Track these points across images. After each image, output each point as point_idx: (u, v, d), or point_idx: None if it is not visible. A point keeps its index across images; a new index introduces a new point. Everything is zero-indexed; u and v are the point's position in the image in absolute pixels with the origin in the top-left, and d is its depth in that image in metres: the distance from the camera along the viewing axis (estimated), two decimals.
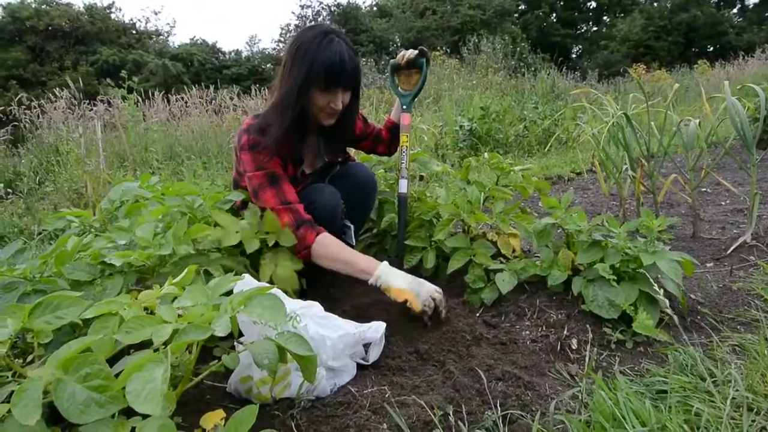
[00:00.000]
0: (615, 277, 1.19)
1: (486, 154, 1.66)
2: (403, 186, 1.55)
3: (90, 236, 1.24)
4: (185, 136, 5.11)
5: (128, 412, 0.65)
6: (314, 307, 0.98)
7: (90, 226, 1.51)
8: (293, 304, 0.97)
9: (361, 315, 1.22)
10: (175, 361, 0.71)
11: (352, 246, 1.55)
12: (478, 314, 1.30)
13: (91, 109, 5.53)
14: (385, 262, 1.12)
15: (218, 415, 0.74)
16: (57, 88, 6.08)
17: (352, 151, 1.77)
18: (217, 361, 0.82)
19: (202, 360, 1.01)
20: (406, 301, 1.08)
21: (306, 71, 1.23)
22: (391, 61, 1.66)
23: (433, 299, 1.09)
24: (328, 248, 1.20)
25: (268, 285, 0.82)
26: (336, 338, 0.94)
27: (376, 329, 1.05)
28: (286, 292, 1.16)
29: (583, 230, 1.27)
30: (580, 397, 0.87)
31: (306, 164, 1.43)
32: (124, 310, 0.79)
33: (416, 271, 1.59)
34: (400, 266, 1.55)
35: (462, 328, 1.19)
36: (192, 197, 1.45)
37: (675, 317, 1.20)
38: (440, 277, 1.55)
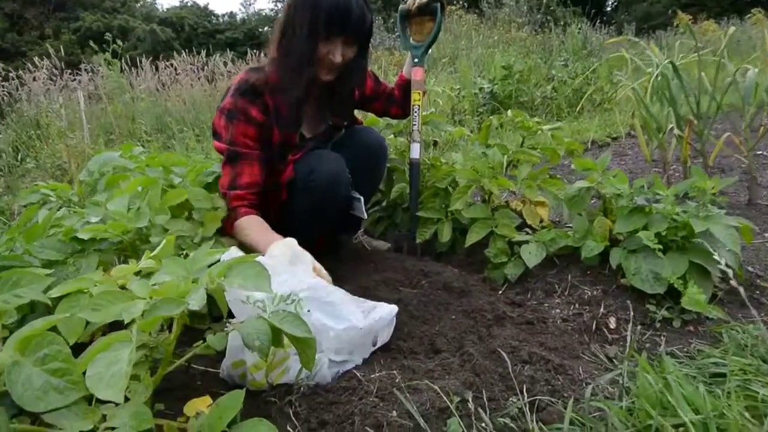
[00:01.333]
0: (660, 247, 1.12)
1: (509, 112, 1.57)
2: (415, 151, 1.50)
3: (63, 210, 1.20)
4: (176, 106, 5.07)
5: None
6: (320, 290, 0.92)
7: (68, 200, 1.48)
8: (297, 284, 0.92)
9: (368, 294, 1.19)
10: (151, 341, 0.67)
11: (361, 219, 1.50)
12: (500, 291, 1.28)
13: (74, 79, 5.50)
14: (278, 244, 1.04)
15: (204, 401, 0.71)
16: (37, 58, 6.05)
17: (359, 114, 1.70)
18: (201, 342, 0.78)
19: (191, 344, 0.97)
20: None
21: (309, 18, 1.18)
22: (401, 6, 1.57)
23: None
24: (239, 236, 1.21)
25: (253, 254, 0.78)
26: (341, 330, 0.90)
27: (383, 317, 0.99)
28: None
29: (623, 194, 1.19)
30: (620, 382, 0.82)
31: (306, 128, 1.37)
32: (94, 287, 0.75)
33: (431, 245, 1.57)
34: (412, 241, 1.52)
35: (482, 307, 1.14)
36: (178, 169, 1.42)
37: (731, 292, 1.12)
38: (458, 252, 1.53)
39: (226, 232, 1.25)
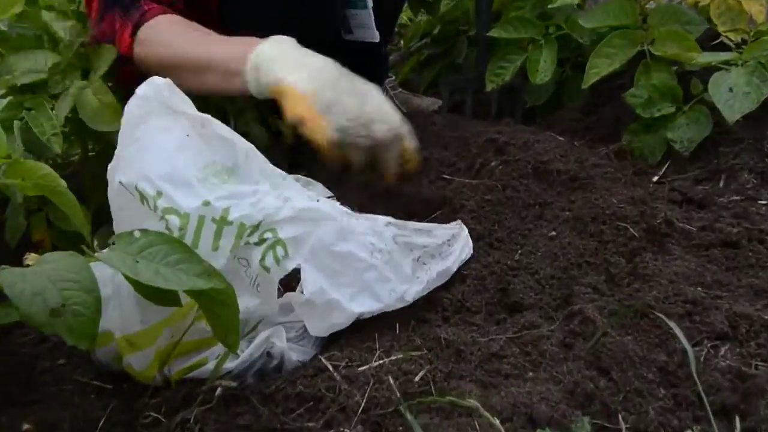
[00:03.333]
0: None
1: None
2: None
3: None
4: None
5: None
6: (325, 227, 0.66)
7: None
8: (276, 204, 0.65)
9: (368, 205, 0.92)
10: None
11: (386, 63, 1.36)
12: (657, 176, 0.98)
13: None
14: (276, 38, 0.87)
15: None
16: None
17: None
18: None
19: None
20: (298, 124, 0.82)
21: None
22: None
23: (367, 125, 0.80)
24: (161, 44, 0.95)
25: None
26: (360, 312, 0.67)
27: (449, 268, 0.74)
28: None
29: None
30: None
31: None
32: None
33: (515, 96, 1.31)
34: (479, 90, 1.28)
35: (617, 210, 0.83)
36: None
37: None
38: (565, 106, 1.24)
39: (121, 74, 1.00)
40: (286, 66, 0.82)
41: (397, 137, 0.84)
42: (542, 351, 0.61)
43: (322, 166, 1.14)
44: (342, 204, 0.74)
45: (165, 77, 1.00)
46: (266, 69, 0.83)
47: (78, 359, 0.79)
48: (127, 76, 0.98)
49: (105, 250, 0.52)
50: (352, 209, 0.74)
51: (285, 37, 0.86)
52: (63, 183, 0.69)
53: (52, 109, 0.95)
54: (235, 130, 1.11)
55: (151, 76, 0.99)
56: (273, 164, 0.71)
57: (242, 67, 0.85)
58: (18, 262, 0.57)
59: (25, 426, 0.63)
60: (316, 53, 0.86)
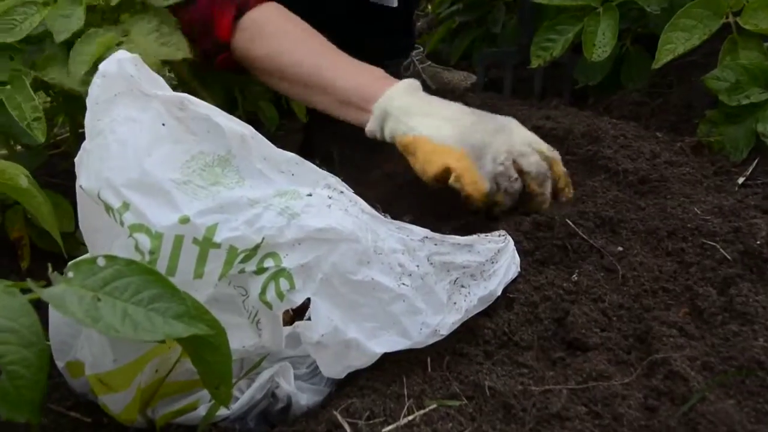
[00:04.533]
0: None
1: None
2: None
3: None
4: None
5: None
6: (345, 251, 0.56)
7: None
8: (275, 222, 0.55)
9: (408, 189, 0.90)
10: None
11: (413, 33, 1.30)
12: (742, 178, 0.83)
13: None
14: (407, 83, 0.84)
15: None
16: None
17: None
18: None
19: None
20: (445, 175, 0.78)
21: None
22: None
23: (519, 161, 0.76)
24: (270, 41, 0.88)
25: None
26: (381, 352, 0.58)
27: (494, 292, 0.63)
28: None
29: None
30: None
31: None
32: None
33: (563, 74, 1.21)
34: (522, 63, 1.17)
35: (698, 222, 0.68)
36: None
37: None
38: (625, 85, 1.15)
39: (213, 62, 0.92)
40: (419, 116, 0.79)
41: (549, 165, 0.79)
42: (617, 415, 0.47)
43: (340, 152, 1.03)
44: (361, 197, 0.62)
45: (261, 74, 0.91)
46: (396, 118, 0.79)
47: (56, 382, 0.66)
48: (221, 65, 0.90)
49: (58, 285, 0.41)
50: (375, 206, 0.62)
51: (414, 81, 0.83)
52: (25, 181, 0.57)
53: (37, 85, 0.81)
54: (242, 109, 1.00)
55: (248, 69, 0.92)
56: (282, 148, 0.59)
57: (367, 106, 0.82)
58: None
59: None
60: (442, 99, 0.83)
